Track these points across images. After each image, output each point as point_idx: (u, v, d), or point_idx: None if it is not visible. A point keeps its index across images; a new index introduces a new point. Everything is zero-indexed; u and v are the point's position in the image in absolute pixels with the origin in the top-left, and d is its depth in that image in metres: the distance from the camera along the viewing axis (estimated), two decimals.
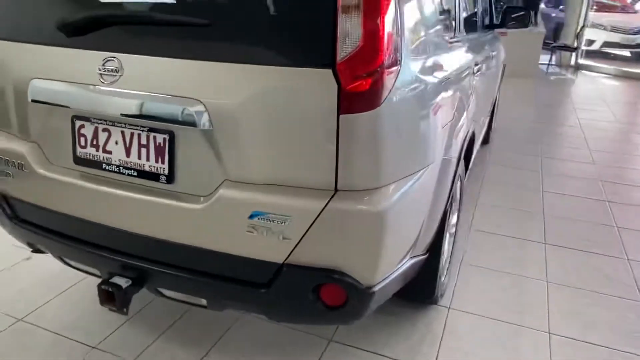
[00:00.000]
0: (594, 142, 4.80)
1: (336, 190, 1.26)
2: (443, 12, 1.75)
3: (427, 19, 1.54)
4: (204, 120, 1.27)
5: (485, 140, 4.44)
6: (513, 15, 3.58)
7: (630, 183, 3.82)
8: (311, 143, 1.23)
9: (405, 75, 1.31)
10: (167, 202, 1.39)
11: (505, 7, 3.63)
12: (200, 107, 1.27)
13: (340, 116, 1.19)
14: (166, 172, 1.39)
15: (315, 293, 1.33)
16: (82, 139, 1.48)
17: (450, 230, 2.22)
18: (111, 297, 1.49)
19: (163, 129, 1.36)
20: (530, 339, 2.03)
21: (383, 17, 1.18)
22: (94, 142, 1.47)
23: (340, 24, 1.16)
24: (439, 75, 1.57)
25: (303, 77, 1.20)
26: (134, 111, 1.35)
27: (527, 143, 4.69)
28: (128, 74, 1.34)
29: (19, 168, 1.61)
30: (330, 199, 1.25)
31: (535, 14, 8.88)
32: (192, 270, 1.43)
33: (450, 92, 1.67)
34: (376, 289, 1.36)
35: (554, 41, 9.45)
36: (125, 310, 1.54)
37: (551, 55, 8.80)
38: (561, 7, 11.05)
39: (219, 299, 1.48)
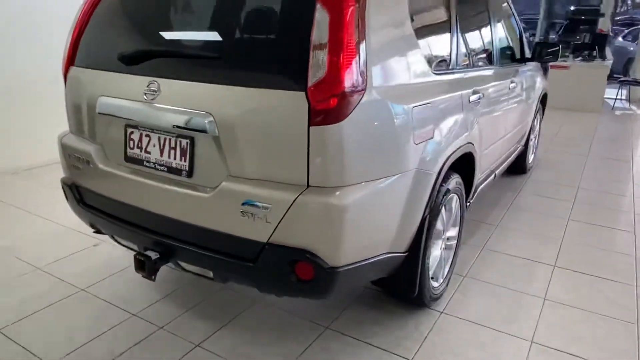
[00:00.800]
0: None
1: (308, 185, 1.61)
2: (427, 50, 2.06)
3: (403, 57, 1.86)
4: (213, 128, 1.69)
5: (521, 170, 4.55)
6: (548, 50, 3.76)
7: None
8: (289, 147, 1.60)
9: (372, 98, 1.65)
10: (186, 192, 1.81)
11: (536, 42, 3.81)
12: (211, 118, 1.68)
13: (310, 127, 1.55)
14: (187, 168, 1.81)
15: (290, 268, 1.66)
16: (131, 142, 1.95)
17: (445, 241, 2.46)
18: (142, 265, 1.92)
19: (186, 135, 1.79)
20: (511, 345, 2.20)
21: (345, 55, 1.53)
22: (139, 145, 1.93)
23: (311, 59, 1.53)
24: (415, 101, 1.87)
25: (283, 97, 1.57)
26: (167, 121, 1.79)
27: (569, 174, 4.70)
28: (164, 93, 1.80)
29: (87, 163, 2.11)
30: (302, 192, 1.59)
31: (602, 48, 8.71)
32: (201, 246, 1.82)
33: (428, 116, 1.96)
34: (340, 270, 1.66)
35: (624, 75, 9.15)
36: (153, 277, 1.96)
37: (619, 89, 8.54)
38: (638, 41, 10.68)
39: (220, 271, 1.85)
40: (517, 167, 4.48)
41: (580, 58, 8.74)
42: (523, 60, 3.79)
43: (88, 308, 2.41)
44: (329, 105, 1.53)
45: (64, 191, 2.33)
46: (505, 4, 3.57)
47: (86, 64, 2.12)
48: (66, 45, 2.21)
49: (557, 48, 3.72)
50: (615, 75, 8.70)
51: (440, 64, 2.19)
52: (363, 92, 1.61)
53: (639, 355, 2.14)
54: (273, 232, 1.64)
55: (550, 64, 8.19)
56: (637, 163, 5.19)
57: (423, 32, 2.06)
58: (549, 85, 4.67)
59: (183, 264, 1.95)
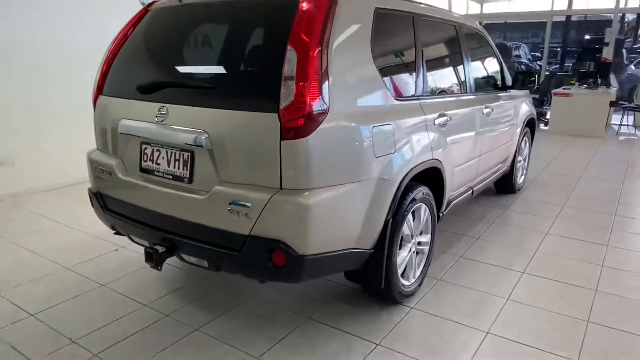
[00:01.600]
0: (626, 196, 4.95)
1: (281, 188, 2.01)
2: (389, 80, 2.46)
3: (364, 86, 2.27)
4: (207, 143, 2.11)
5: (510, 190, 4.86)
6: (528, 79, 4.14)
7: (637, 231, 4.00)
8: (266, 157, 2.00)
9: (333, 119, 2.05)
10: (187, 195, 2.23)
11: (516, 72, 4.19)
12: (206, 135, 2.11)
13: (282, 141, 1.96)
14: (188, 176, 2.24)
15: (268, 255, 2.05)
16: (145, 156, 2.40)
17: (416, 245, 2.80)
18: (151, 257, 2.33)
19: (187, 149, 2.22)
20: (467, 335, 2.51)
21: (308, 85, 1.95)
22: (151, 158, 2.37)
23: (282, 88, 1.95)
24: (375, 122, 2.27)
25: (261, 118, 1.99)
26: (173, 138, 2.23)
27: (558, 194, 4.98)
28: (171, 116, 2.25)
29: (109, 174, 2.56)
30: (275, 193, 1.99)
31: (606, 76, 8.98)
32: (198, 240, 2.23)
33: (388, 134, 2.35)
34: (308, 258, 2.04)
35: (629, 102, 9.37)
36: (159, 267, 2.37)
37: (622, 115, 8.75)
38: None
39: (213, 260, 2.25)
40: (505, 187, 4.79)
41: (585, 86, 9.02)
42: (504, 88, 4.16)
43: (107, 299, 2.83)
44: (296, 124, 1.95)
45: (90, 199, 2.78)
46: (483, 40, 3.98)
47: (111, 93, 2.60)
48: (96, 78, 2.70)
49: (535, 77, 4.09)
50: (620, 102, 8.93)
51: (402, 92, 2.58)
52: (325, 114, 2.02)
53: (582, 346, 2.42)
54: (253, 226, 2.04)
55: (554, 91, 8.56)
56: (626, 184, 5.42)
57: (386, 66, 2.47)
58: (534, 110, 4.99)
59: (184, 256, 2.35)
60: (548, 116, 9.16)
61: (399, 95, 2.53)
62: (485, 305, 2.80)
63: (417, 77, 2.73)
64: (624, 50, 13.98)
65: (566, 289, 2.99)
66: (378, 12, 2.41)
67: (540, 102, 9.68)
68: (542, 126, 9.58)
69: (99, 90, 2.68)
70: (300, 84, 1.94)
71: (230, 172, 2.11)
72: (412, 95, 2.67)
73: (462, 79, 3.36)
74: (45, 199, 4.77)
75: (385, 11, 2.49)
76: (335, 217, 2.13)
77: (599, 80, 8.68)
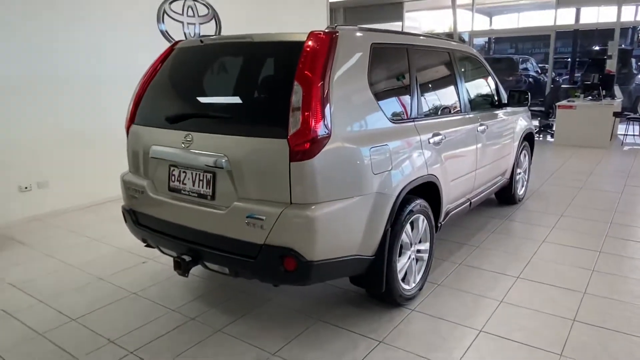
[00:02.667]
0: (624, 206, 5.17)
1: (291, 203, 2.34)
2: (385, 106, 2.78)
3: (362, 112, 2.59)
4: (227, 165, 2.46)
5: (511, 201, 5.11)
6: (522, 97, 4.44)
7: (630, 238, 4.21)
8: (277, 177, 2.34)
9: (335, 142, 2.38)
10: (210, 210, 2.56)
11: (510, 90, 4.49)
12: (226, 159, 2.46)
13: (291, 163, 2.29)
14: (211, 194, 2.58)
15: (280, 261, 2.36)
16: (173, 177, 2.75)
17: (415, 253, 3.09)
18: (179, 265, 2.66)
19: (210, 171, 2.56)
20: (462, 332, 2.78)
21: (313, 114, 2.28)
22: (178, 179, 2.72)
23: (290, 117, 2.29)
24: (373, 143, 2.59)
25: (273, 143, 2.33)
26: (197, 161, 2.58)
27: (557, 204, 5.21)
28: (195, 142, 2.60)
29: (141, 193, 2.92)
30: (286, 207, 2.32)
31: (610, 88, 9.19)
32: (220, 249, 2.56)
33: (385, 154, 2.66)
34: (316, 263, 2.35)
35: (633, 113, 9.54)
36: (186, 275, 2.71)
37: (626, 126, 8.94)
38: None
39: (233, 267, 2.57)
40: (506, 198, 5.06)
41: (589, 98, 9.24)
42: (500, 105, 4.46)
43: (138, 305, 3.17)
44: (303, 148, 2.28)
45: (124, 215, 3.14)
46: (477, 62, 4.29)
47: (143, 122, 2.97)
48: (128, 109, 3.08)
49: (528, 95, 4.39)
50: (625, 113, 9.12)
51: (398, 116, 2.90)
52: (328, 138, 2.35)
53: (566, 341, 2.68)
54: (267, 236, 2.36)
55: (558, 104, 8.79)
56: (625, 193, 5.63)
57: (382, 93, 2.79)
58: (532, 124, 5.25)
59: (207, 264, 2.68)
60: (554, 128, 9.38)
61: (395, 118, 2.85)
62: (480, 307, 3.06)
63: (412, 101, 3.06)
64: (632, 60, 14.13)
65: (556, 292, 3.24)
66: (374, 47, 2.75)
67: (546, 114, 9.91)
68: (548, 138, 9.79)
69: (132, 119, 3.05)
70: (306, 113, 2.28)
71: (247, 190, 2.44)
72: (408, 118, 2.99)
73: (456, 100, 3.67)
74: (77, 217, 5.17)
75: (381, 45, 2.82)
76: (339, 227, 2.45)
77: (603, 92, 8.89)
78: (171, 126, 2.75)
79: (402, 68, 3.05)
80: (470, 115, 3.80)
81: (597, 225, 4.56)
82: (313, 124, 2.28)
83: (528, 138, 5.19)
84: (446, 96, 3.61)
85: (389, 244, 2.73)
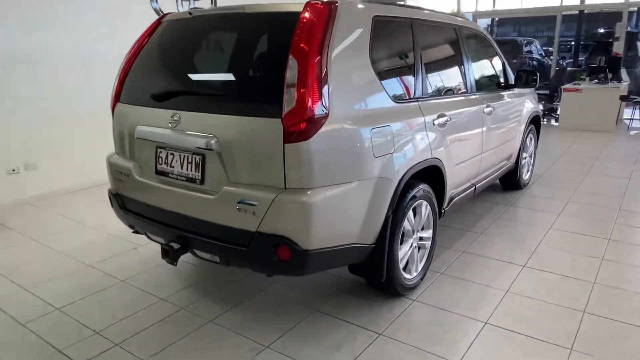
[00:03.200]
0: (633, 191, 5.00)
1: (285, 188, 2.16)
2: (388, 85, 2.59)
3: (363, 91, 2.41)
4: (217, 147, 2.28)
5: (516, 186, 4.95)
6: (530, 77, 4.23)
7: None
8: (271, 160, 2.16)
9: (334, 121, 2.20)
10: (199, 195, 2.39)
11: (518, 71, 4.29)
12: (215, 140, 2.28)
13: (285, 144, 2.12)
14: (200, 177, 2.41)
15: (274, 250, 2.20)
16: (160, 159, 2.58)
17: (417, 241, 2.93)
18: (167, 253, 2.51)
19: (199, 153, 2.39)
20: (466, 325, 2.63)
21: (309, 92, 2.10)
22: (166, 161, 2.55)
23: (285, 95, 2.11)
24: (374, 124, 2.41)
25: (265, 123, 2.15)
26: (185, 142, 2.40)
27: (564, 190, 5.05)
28: (183, 122, 2.42)
29: (127, 176, 2.75)
30: (279, 193, 2.15)
31: (617, 71, 8.96)
32: (210, 237, 2.40)
33: (386, 135, 2.48)
34: (311, 252, 2.19)
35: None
36: (175, 263, 2.54)
37: (633, 110, 8.73)
38: None
39: (224, 256, 2.41)
40: (511, 183, 4.89)
41: (596, 81, 9.01)
42: (507, 86, 4.26)
43: (127, 294, 3.02)
44: (298, 128, 2.10)
45: (110, 199, 2.97)
46: (484, 41, 4.08)
47: (128, 101, 2.78)
48: (114, 86, 2.89)
49: (536, 76, 4.18)
50: (631, 97, 8.89)
51: (401, 95, 2.72)
52: (326, 118, 2.17)
53: (576, 335, 2.53)
54: (260, 223, 2.20)
55: (563, 87, 8.58)
56: (634, 178, 5.46)
57: (384, 70, 2.61)
58: (539, 107, 5.06)
59: (197, 252, 2.52)
60: (559, 112, 9.17)
61: (398, 98, 2.67)
62: (484, 297, 2.92)
63: (416, 79, 2.87)
64: (638, 43, 13.84)
65: (564, 282, 3.09)
66: (376, 20, 2.55)
67: (551, 97, 9.69)
68: (552, 122, 9.59)
69: (117, 98, 2.86)
70: (302, 90, 2.09)
71: (238, 174, 2.27)
72: (411, 98, 2.80)
73: (462, 79, 3.48)
74: (67, 200, 5.00)
75: (383, 18, 2.62)
76: (337, 214, 2.28)
77: (610, 75, 8.66)
78: (158, 105, 2.57)
79: (406, 44, 2.85)
80: (477, 96, 3.61)
81: (605, 211, 4.40)
82: (309, 102, 2.10)
83: (534, 121, 5.00)
84: (452, 75, 3.41)
85: (390, 232, 2.58)
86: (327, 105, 2.17)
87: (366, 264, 2.61)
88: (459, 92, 3.43)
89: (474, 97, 3.56)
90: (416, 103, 2.81)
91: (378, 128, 2.44)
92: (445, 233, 3.88)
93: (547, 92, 9.76)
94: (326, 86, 2.17)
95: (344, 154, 2.27)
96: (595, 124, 8.34)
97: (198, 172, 2.41)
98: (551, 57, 16.20)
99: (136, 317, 2.75)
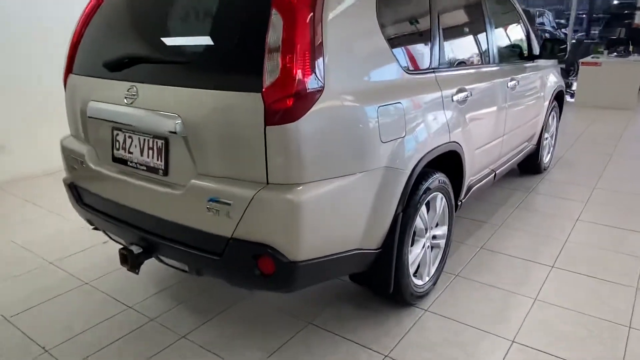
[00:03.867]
0: None
1: (268, 183, 1.68)
2: (399, 51, 2.09)
3: (368, 58, 1.90)
4: (180, 129, 1.79)
5: (535, 170, 4.45)
6: (557, 47, 3.69)
7: None
8: (248, 147, 1.67)
9: (331, 97, 1.70)
10: (162, 189, 1.91)
11: (544, 39, 3.74)
12: (179, 120, 1.78)
13: (267, 127, 1.62)
14: (163, 167, 1.92)
15: (254, 262, 1.74)
16: (117, 144, 2.09)
17: (430, 240, 2.47)
18: (125, 259, 2.04)
19: (161, 136, 1.90)
20: (490, 344, 2.19)
21: (298, 57, 1.59)
22: (124, 146, 2.06)
23: (266, 61, 1.60)
24: (382, 100, 1.91)
25: (241, 98, 1.65)
26: (143, 123, 1.91)
27: (588, 174, 4.56)
28: (141, 97, 1.92)
29: (81, 164, 2.26)
30: (260, 189, 1.67)
31: (638, 43, 8.35)
32: (176, 241, 1.93)
33: (397, 115, 1.99)
34: (302, 264, 1.72)
35: None
36: (136, 271, 2.08)
37: None
38: None
39: (193, 265, 1.95)
40: (530, 167, 4.39)
41: (615, 54, 8.42)
42: (531, 57, 3.73)
43: (89, 300, 2.57)
44: (283, 106, 1.60)
45: (66, 190, 2.49)
46: (508, 4, 3.53)
47: (80, 72, 2.28)
48: (66, 53, 2.38)
49: (566, 45, 3.64)
50: None
51: (415, 64, 2.21)
52: (320, 92, 1.67)
53: (624, 357, 2.09)
54: (236, 227, 1.72)
55: (581, 60, 8.00)
56: None
57: (395, 33, 2.09)
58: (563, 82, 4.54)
59: (163, 258, 2.06)
60: (574, 87, 8.60)
61: (411, 68, 2.16)
62: (509, 307, 2.46)
63: (432, 46, 2.35)
64: None
65: (602, 287, 2.63)
66: None
67: (567, 72, 9.10)
68: (568, 98, 9.01)
69: (69, 68, 2.36)
70: (288, 56, 1.59)
71: (209, 164, 1.78)
72: (427, 68, 2.29)
73: (485, 48, 2.95)
74: (37, 185, 4.52)
75: None
76: (334, 215, 1.80)
77: (631, 48, 8.06)
78: (112, 75, 2.07)
79: (421, 3, 2.32)
80: (500, 68, 3.09)
81: (637, 200, 3.91)
82: (298, 71, 1.60)
83: (558, 97, 4.47)
84: (473, 43, 2.88)
85: (400, 233, 2.11)
86: (322, 75, 1.67)
87: (370, 272, 2.15)
88: (481, 62, 2.91)
89: (497, 69, 3.04)
90: (432, 74, 2.31)
91: (387, 105, 1.94)
92: (459, 225, 3.42)
93: (562, 66, 9.16)
94: (321, 51, 1.66)
95: (344, 140, 1.78)
96: (615, 101, 7.78)
97: (160, 160, 1.92)
98: (563, 30, 15.49)
99: (95, 332, 2.31)
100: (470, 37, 2.86)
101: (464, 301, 2.51)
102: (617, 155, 5.24)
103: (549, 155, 4.71)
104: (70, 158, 2.35)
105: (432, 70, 2.32)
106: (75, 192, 2.40)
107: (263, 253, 1.71)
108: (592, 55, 8.50)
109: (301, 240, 1.69)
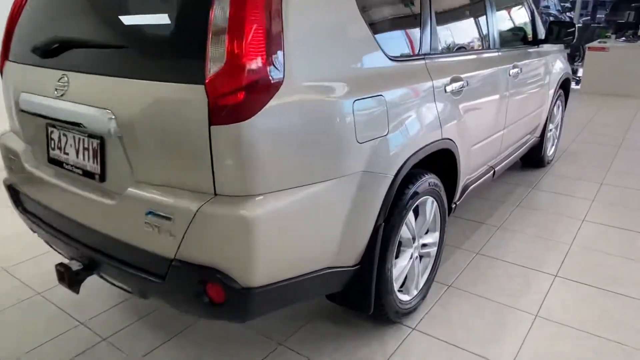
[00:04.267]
0: None
1: (215, 194, 1.39)
2: (381, 33, 1.78)
3: (342, 42, 1.59)
4: (114, 128, 1.49)
5: (539, 164, 4.15)
6: (565, 30, 3.36)
7: None
8: (191, 150, 1.38)
9: (294, 91, 1.40)
10: (98, 198, 1.62)
11: (550, 22, 3.41)
12: (111, 116, 1.48)
13: (211, 127, 1.32)
14: (99, 171, 1.62)
15: (201, 288, 1.45)
16: (52, 142, 1.79)
17: (419, 249, 2.18)
18: (62, 276, 1.76)
19: (96, 135, 1.60)
20: None
21: (250, 41, 1.29)
22: (59, 145, 1.76)
23: (209, 45, 1.30)
24: (358, 93, 1.61)
25: (182, 91, 1.35)
26: (75, 119, 1.61)
27: (595, 168, 4.25)
28: (72, 88, 1.62)
29: (17, 164, 1.97)
30: (205, 202, 1.37)
31: None
32: (117, 258, 1.64)
33: (377, 110, 1.68)
34: (258, 290, 1.44)
35: None
36: (76, 289, 1.80)
37: None
38: None
39: (136, 286, 1.67)
40: (533, 160, 4.09)
41: (623, 38, 8.05)
42: (535, 42, 3.40)
43: (39, 314, 2.30)
44: (231, 101, 1.30)
45: (7, 193, 2.20)
46: None
47: (16, 59, 1.97)
48: (0, 39, 2.07)
49: (574, 28, 3.30)
50: None
51: (401, 50, 1.90)
52: (279, 84, 1.36)
53: None
54: (178, 247, 1.43)
55: (587, 45, 7.63)
56: None
57: (376, 14, 1.78)
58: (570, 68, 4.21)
59: (105, 276, 1.78)
60: (580, 74, 8.24)
61: (396, 54, 1.85)
62: (507, 325, 2.19)
63: (423, 29, 2.03)
64: None
65: (612, 302, 2.35)
66: None
67: (572, 58, 8.73)
68: (573, 85, 8.65)
69: (4, 54, 2.05)
70: (237, 38, 1.28)
71: (148, 170, 1.49)
72: (416, 55, 1.98)
73: (484, 31, 2.63)
74: None
75: None
76: (299, 232, 1.51)
77: None
78: (43, 62, 1.76)
79: None
80: (501, 54, 2.77)
81: None
82: (250, 57, 1.29)
83: (564, 85, 4.14)
84: (471, 26, 2.56)
85: (382, 246, 1.82)
86: (282, 63, 1.37)
87: (348, 292, 1.86)
88: (479, 47, 2.59)
89: (497, 54, 2.72)
90: (422, 62, 1.99)
91: (365, 99, 1.63)
92: (454, 225, 3.13)
93: (567, 51, 8.79)
94: (280, 32, 1.35)
95: (310, 141, 1.48)
96: (623, 88, 7.43)
97: (96, 163, 1.63)
98: (568, 13, 15.00)
99: (41, 352, 2.04)
100: (468, 19, 2.54)
101: (456, 317, 2.23)
102: (626, 146, 4.93)
103: (554, 147, 4.40)
104: (8, 157, 2.06)
105: (422, 57, 2.01)
106: (15, 196, 2.10)
107: (211, 278, 1.42)
108: (598, 40, 8.13)
109: (256, 264, 1.40)
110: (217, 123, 1.31)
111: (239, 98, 1.30)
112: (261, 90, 1.33)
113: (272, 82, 1.35)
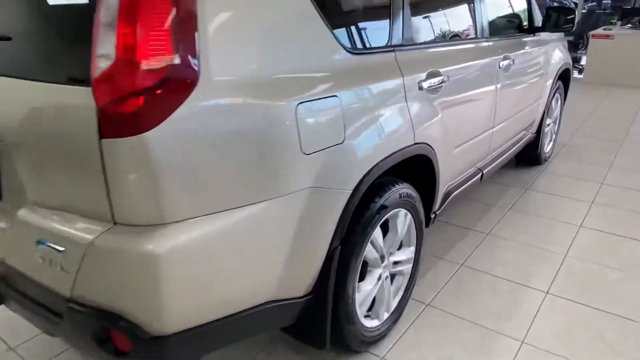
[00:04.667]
0: None
1: (115, 223, 1.12)
2: (337, 18, 1.49)
3: (278, 24, 1.31)
4: None
5: (535, 161, 3.86)
6: (564, 17, 3.06)
7: None
8: (81, 168, 1.11)
9: (214, 94, 1.13)
10: None
11: (547, 8, 3.10)
12: None
13: (102, 140, 1.05)
14: None
15: (104, 335, 1.19)
16: None
17: (390, 268, 1.92)
18: None
19: None
20: None
21: (149, 31, 1.01)
22: None
23: (98, 40, 1.02)
24: (304, 94, 1.33)
25: (67, 94, 1.08)
26: None
27: (595, 166, 3.97)
28: None
29: None
30: (101, 233, 1.10)
31: None
32: (17, 290, 1.38)
33: (330, 114, 1.40)
34: (174, 337, 1.18)
35: None
36: None
37: None
38: None
39: (39, 322, 1.41)
40: (528, 158, 3.80)
41: (629, 25, 7.69)
42: (531, 30, 3.10)
43: None
44: (126, 108, 1.02)
45: None
46: None
47: None
48: None
49: (573, 15, 3.00)
50: None
51: (363, 40, 1.61)
52: (192, 85, 1.09)
53: None
54: (73, 285, 1.17)
55: (591, 33, 7.28)
56: None
57: None
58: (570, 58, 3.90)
59: (12, 308, 1.52)
60: (583, 62, 7.89)
61: (357, 45, 1.56)
62: (489, 353, 1.93)
63: (393, 15, 1.74)
64: None
65: (610, 326, 2.09)
66: None
67: (575, 45, 8.38)
68: (575, 74, 8.32)
69: None
70: (130, 25, 1.00)
71: (39, 190, 1.22)
72: (384, 46, 1.69)
73: (470, 18, 2.33)
74: None
75: None
76: (225, 265, 1.24)
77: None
78: None
79: None
80: (490, 44, 2.47)
81: None
82: (149, 53, 1.01)
83: (563, 76, 3.83)
84: (453, 12, 2.26)
85: (339, 272, 1.55)
86: (197, 56, 1.08)
87: (300, 324, 1.60)
88: (463, 37, 2.30)
89: (485, 44, 2.42)
90: (391, 54, 1.70)
91: (312, 101, 1.35)
92: (437, 232, 2.86)
93: (570, 38, 8.43)
94: (192, 16, 1.07)
95: (237, 155, 1.20)
96: (628, 78, 7.09)
97: None
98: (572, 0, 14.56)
99: None
100: (450, 5, 2.24)
101: (432, 344, 1.97)
102: (629, 141, 4.63)
103: (551, 143, 4.11)
104: None
105: (391, 49, 1.72)
106: None
107: (113, 326, 1.15)
108: (603, 27, 7.77)
109: (167, 309, 1.14)
110: (109, 135, 1.04)
111: (136, 104, 1.02)
112: (167, 94, 1.05)
113: (182, 83, 1.07)
